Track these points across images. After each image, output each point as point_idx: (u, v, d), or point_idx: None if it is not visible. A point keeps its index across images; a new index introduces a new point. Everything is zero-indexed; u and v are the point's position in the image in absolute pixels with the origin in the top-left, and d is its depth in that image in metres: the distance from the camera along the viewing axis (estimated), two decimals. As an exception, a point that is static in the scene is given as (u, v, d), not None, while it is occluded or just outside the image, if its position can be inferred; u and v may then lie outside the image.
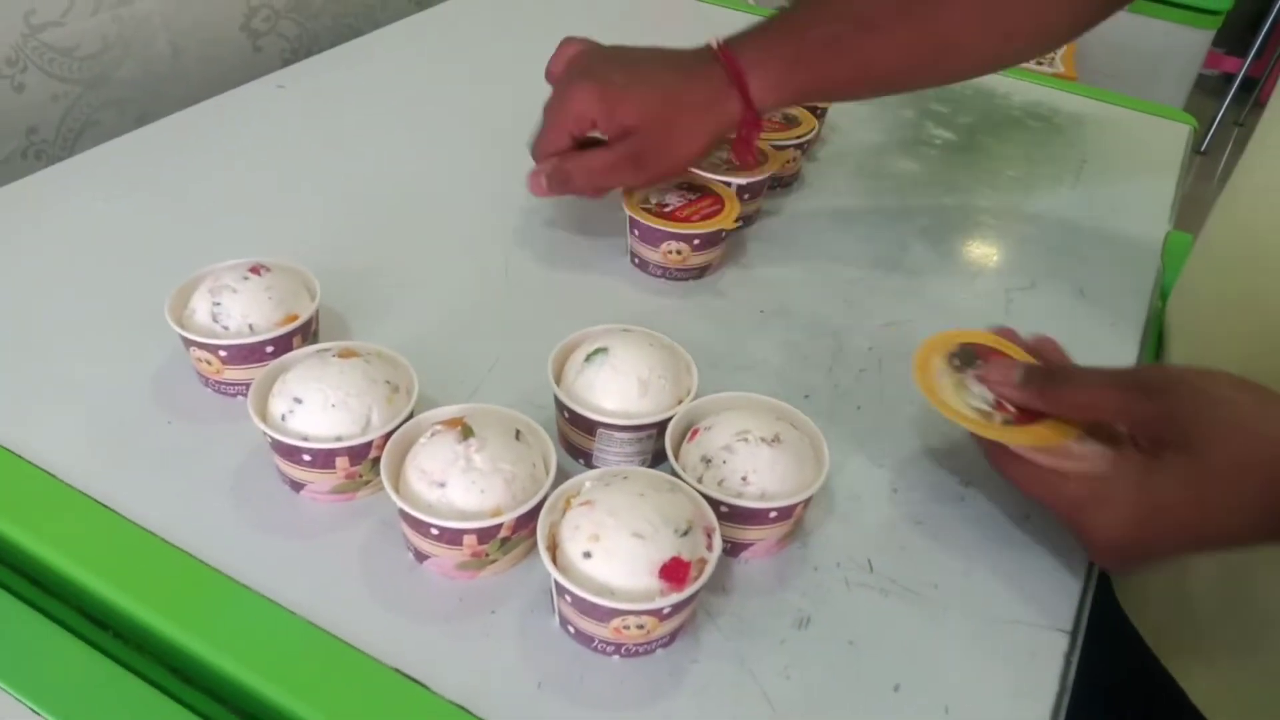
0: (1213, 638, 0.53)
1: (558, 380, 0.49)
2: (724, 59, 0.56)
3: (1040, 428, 0.45)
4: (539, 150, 0.61)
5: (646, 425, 0.47)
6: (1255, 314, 0.51)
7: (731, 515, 0.43)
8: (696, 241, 0.61)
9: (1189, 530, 0.42)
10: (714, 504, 0.42)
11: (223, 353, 0.48)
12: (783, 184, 0.73)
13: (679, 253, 0.62)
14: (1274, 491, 0.40)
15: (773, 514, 0.43)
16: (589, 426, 0.47)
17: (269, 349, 0.49)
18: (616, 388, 0.47)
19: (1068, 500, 0.44)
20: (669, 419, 0.46)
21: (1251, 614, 0.51)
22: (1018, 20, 0.57)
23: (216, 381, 0.50)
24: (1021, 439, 0.45)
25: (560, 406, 0.48)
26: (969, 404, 0.46)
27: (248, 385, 0.46)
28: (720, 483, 0.43)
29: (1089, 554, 0.46)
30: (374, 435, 0.44)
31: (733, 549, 0.45)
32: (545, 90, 0.64)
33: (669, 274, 0.63)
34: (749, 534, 0.44)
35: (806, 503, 0.44)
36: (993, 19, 0.57)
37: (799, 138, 0.71)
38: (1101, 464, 0.43)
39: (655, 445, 0.48)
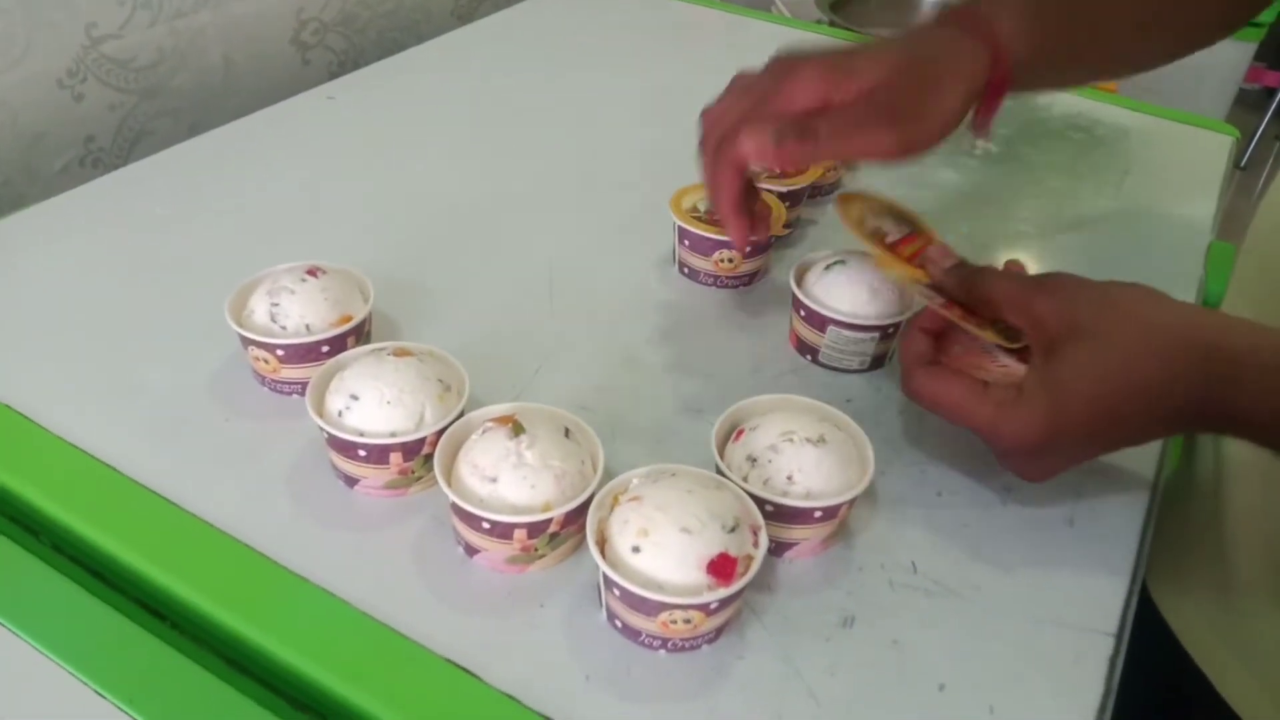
0: (1250, 638, 0.52)
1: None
2: (958, 19, 0.50)
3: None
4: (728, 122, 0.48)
5: (873, 326, 0.55)
6: None
7: (777, 514, 0.44)
8: (748, 249, 0.62)
9: (1096, 419, 0.43)
10: (759, 503, 0.43)
11: (280, 352, 0.50)
12: (823, 192, 0.74)
13: (730, 260, 0.62)
14: (1170, 369, 0.42)
15: (818, 514, 0.44)
16: (821, 323, 0.56)
17: (324, 349, 0.50)
18: (849, 294, 0.55)
19: (987, 402, 0.45)
20: (896, 323, 0.55)
21: None
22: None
23: (273, 380, 0.51)
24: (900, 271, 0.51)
25: (796, 304, 0.57)
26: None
27: (303, 384, 0.47)
28: (765, 482, 0.44)
29: (1006, 462, 0.47)
30: (427, 431, 0.45)
31: (777, 549, 0.45)
32: (583, 94, 0.65)
33: (719, 282, 0.64)
34: (794, 533, 0.45)
35: (851, 503, 0.45)
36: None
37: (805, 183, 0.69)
38: (1017, 370, 0.47)
39: (876, 349, 0.57)
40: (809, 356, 0.58)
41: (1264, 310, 0.54)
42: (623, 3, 1.08)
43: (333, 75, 0.96)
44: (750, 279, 0.64)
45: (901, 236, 0.55)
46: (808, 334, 0.57)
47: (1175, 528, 0.57)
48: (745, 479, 0.44)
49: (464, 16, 1.10)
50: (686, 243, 0.63)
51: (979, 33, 0.49)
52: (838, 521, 0.46)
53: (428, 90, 0.85)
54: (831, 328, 0.55)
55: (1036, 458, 0.45)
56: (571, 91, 0.87)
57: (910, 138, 0.47)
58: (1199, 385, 0.42)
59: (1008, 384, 0.45)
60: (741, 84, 0.50)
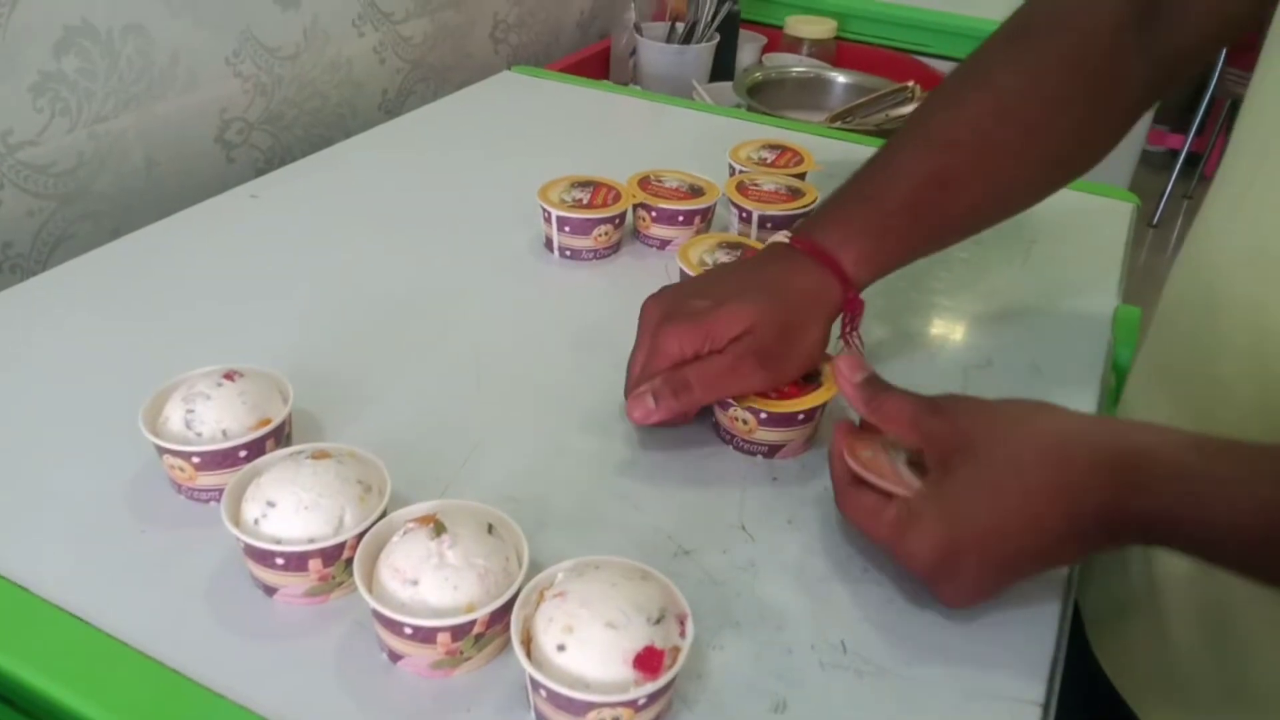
0: (1195, 694, 0.53)
1: None
2: (807, 249, 0.56)
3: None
4: (633, 387, 0.55)
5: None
6: (1210, 386, 0.52)
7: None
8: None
9: (998, 537, 0.42)
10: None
11: (195, 459, 0.49)
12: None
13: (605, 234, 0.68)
14: (1066, 485, 0.41)
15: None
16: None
17: (242, 454, 0.49)
18: None
19: (886, 522, 0.45)
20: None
21: (1234, 669, 0.51)
22: (1065, 147, 0.59)
23: (190, 488, 0.50)
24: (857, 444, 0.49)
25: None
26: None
27: (221, 491, 0.46)
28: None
29: (929, 589, 0.46)
30: (347, 536, 0.44)
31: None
32: (510, 186, 0.66)
33: (598, 254, 0.75)
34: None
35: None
36: (1045, 152, 0.58)
37: (804, 207, 0.76)
38: (911, 487, 0.46)
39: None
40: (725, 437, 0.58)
41: (1171, 373, 0.56)
42: (549, 93, 1.10)
43: (259, 172, 0.96)
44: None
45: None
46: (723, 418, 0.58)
47: (1114, 582, 0.58)
48: None
49: (391, 111, 1.12)
50: (567, 229, 0.73)
51: (830, 266, 0.55)
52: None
53: (352, 184, 0.86)
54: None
55: (943, 579, 0.45)
56: (500, 180, 0.89)
57: (779, 377, 0.55)
58: (1102, 490, 0.41)
59: (902, 500, 0.45)
60: (636, 344, 0.56)
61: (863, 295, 0.57)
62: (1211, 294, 0.51)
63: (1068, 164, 0.60)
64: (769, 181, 0.81)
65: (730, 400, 0.55)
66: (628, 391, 0.55)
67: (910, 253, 0.59)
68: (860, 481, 0.48)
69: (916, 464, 0.48)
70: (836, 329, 0.58)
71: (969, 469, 0.43)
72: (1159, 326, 0.59)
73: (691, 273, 0.67)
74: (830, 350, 0.57)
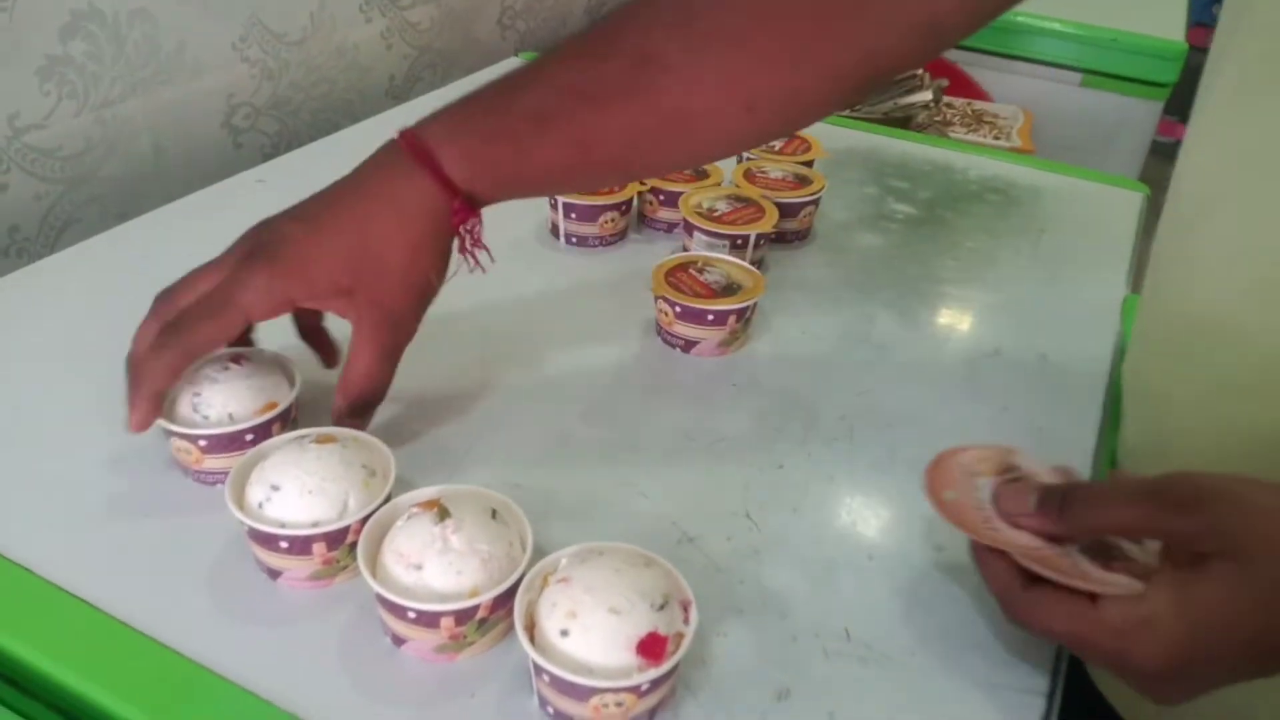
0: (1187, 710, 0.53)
1: None
2: (405, 141, 0.49)
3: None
4: (158, 379, 0.47)
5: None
6: (1203, 370, 0.52)
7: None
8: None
9: (1248, 645, 0.37)
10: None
11: (202, 442, 0.49)
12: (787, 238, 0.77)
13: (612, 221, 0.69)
14: None
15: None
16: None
17: (248, 437, 0.49)
18: None
19: (1107, 628, 0.38)
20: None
21: (1238, 692, 0.51)
22: (760, 89, 0.48)
23: (196, 471, 0.51)
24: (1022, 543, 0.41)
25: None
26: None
27: (227, 474, 0.46)
28: None
29: (1141, 689, 0.39)
30: (350, 520, 0.44)
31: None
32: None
33: (604, 241, 0.76)
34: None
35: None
36: (731, 89, 0.48)
37: (813, 194, 0.78)
38: (1131, 585, 0.38)
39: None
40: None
41: (1166, 356, 0.55)
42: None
43: (266, 158, 0.96)
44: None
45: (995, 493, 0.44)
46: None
47: None
48: None
49: (398, 97, 1.11)
50: (573, 215, 0.74)
51: (426, 164, 0.48)
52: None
53: (360, 170, 0.86)
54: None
55: (1167, 684, 0.39)
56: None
57: (411, 327, 0.50)
58: None
59: (1122, 599, 0.38)
60: (197, 278, 0.50)
61: (862, 297, 0.54)
62: (1183, 294, 0.50)
63: (761, 109, 0.49)
64: (776, 169, 0.81)
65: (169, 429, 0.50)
66: (156, 310, 0.49)
67: (542, 170, 0.50)
68: (1036, 580, 0.40)
69: (1094, 551, 0.41)
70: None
71: (1227, 570, 0.37)
72: (1139, 329, 0.58)
73: (693, 221, 0.72)
74: None
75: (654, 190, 0.78)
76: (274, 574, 0.46)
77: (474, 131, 0.49)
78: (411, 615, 0.41)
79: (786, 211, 0.76)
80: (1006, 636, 0.46)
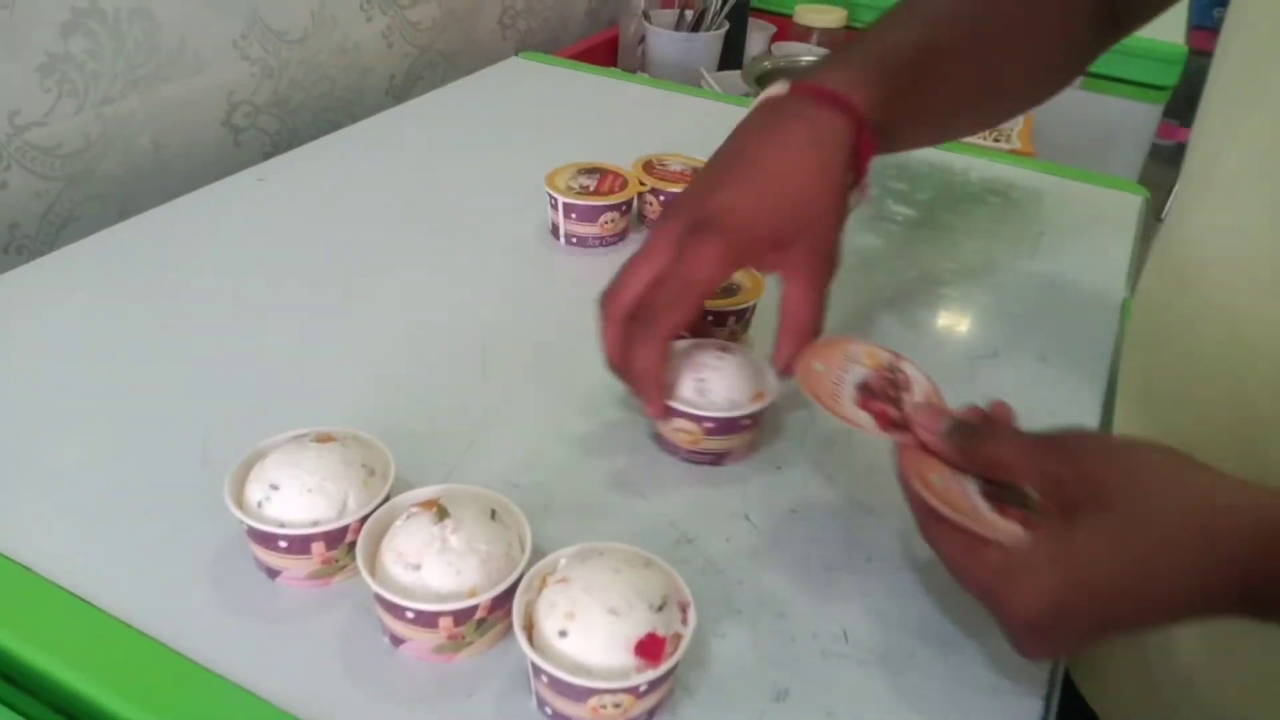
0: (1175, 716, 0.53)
1: None
2: (807, 91, 0.51)
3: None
4: (658, 371, 0.50)
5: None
6: (1184, 373, 0.52)
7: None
8: None
9: (1120, 597, 0.37)
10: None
11: (709, 424, 0.52)
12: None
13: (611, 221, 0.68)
14: (1213, 551, 0.36)
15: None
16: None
17: (745, 422, 0.54)
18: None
19: (988, 567, 0.39)
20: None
21: (1219, 696, 0.51)
22: (1049, 42, 0.60)
23: (690, 450, 0.54)
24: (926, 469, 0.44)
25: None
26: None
27: (716, 454, 0.52)
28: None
29: (1010, 635, 0.40)
30: (350, 519, 0.44)
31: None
32: (517, 173, 0.65)
33: (604, 241, 0.74)
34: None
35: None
36: (1032, 43, 0.59)
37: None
38: (1016, 533, 0.40)
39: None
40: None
41: (1150, 363, 0.55)
42: (556, 80, 1.10)
43: (266, 156, 0.96)
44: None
45: (866, 381, 0.48)
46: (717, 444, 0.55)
47: None
48: None
49: (398, 96, 1.11)
50: (574, 215, 0.74)
51: (836, 105, 0.51)
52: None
53: (360, 170, 0.86)
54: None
55: (1041, 635, 0.39)
56: (506, 167, 0.88)
57: (835, 260, 0.51)
58: (1249, 567, 0.36)
59: (1009, 545, 0.39)
60: (639, 267, 0.50)
61: (860, 299, 0.56)
62: (1181, 294, 0.50)
63: (1054, 64, 0.61)
64: None
65: (675, 409, 0.52)
66: (610, 313, 0.50)
67: (912, 116, 0.55)
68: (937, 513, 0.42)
69: (993, 494, 0.43)
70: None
71: (1103, 521, 0.37)
72: (1134, 326, 0.58)
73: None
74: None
75: (654, 191, 0.78)
76: (273, 573, 0.46)
77: (873, 79, 0.52)
78: (410, 615, 0.41)
79: None
80: (1004, 639, 0.46)
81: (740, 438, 0.55)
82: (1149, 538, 0.37)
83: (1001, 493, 0.42)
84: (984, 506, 0.42)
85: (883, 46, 0.55)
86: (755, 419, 0.54)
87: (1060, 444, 0.41)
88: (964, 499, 0.42)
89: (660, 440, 0.56)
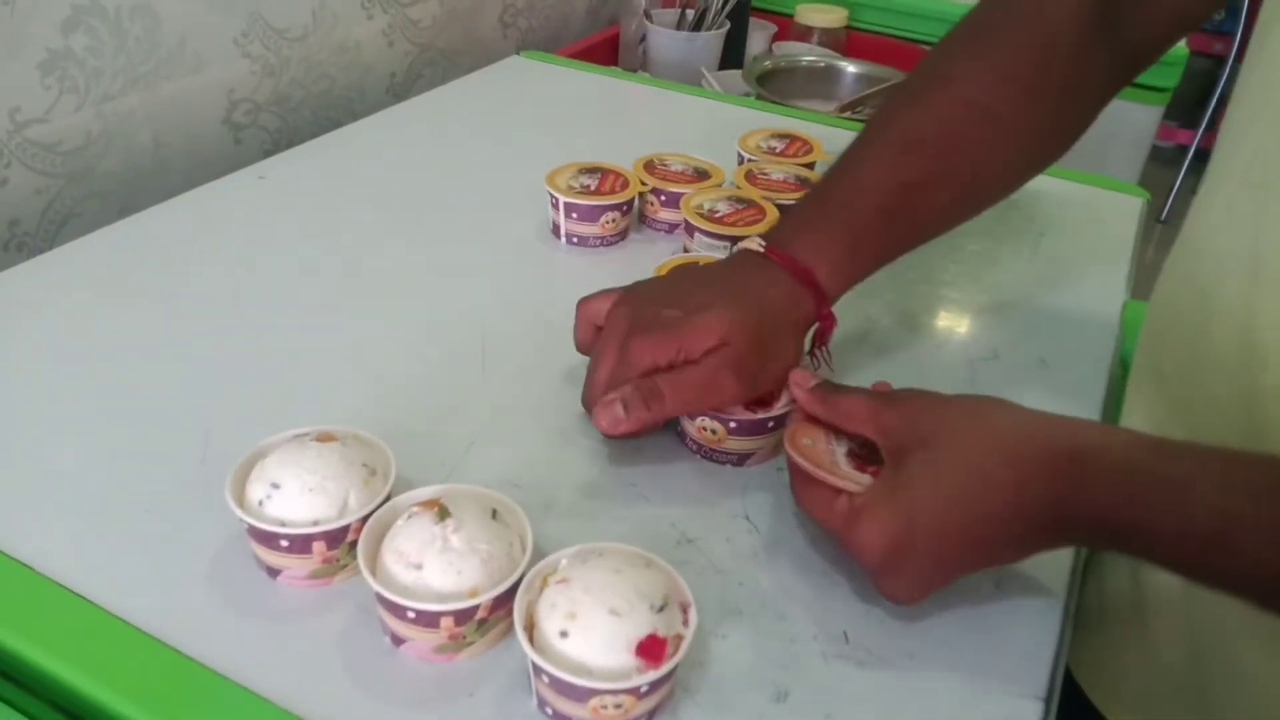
0: (1170, 710, 0.53)
1: None
2: (781, 261, 0.54)
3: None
4: (598, 394, 0.52)
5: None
6: (1200, 376, 0.52)
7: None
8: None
9: (948, 526, 0.42)
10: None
11: (732, 424, 0.53)
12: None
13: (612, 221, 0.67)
14: (1018, 473, 0.41)
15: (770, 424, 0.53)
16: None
17: (770, 425, 0.54)
18: None
19: (838, 514, 0.45)
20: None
21: (1212, 688, 0.51)
22: (1034, 140, 0.58)
23: (712, 450, 0.54)
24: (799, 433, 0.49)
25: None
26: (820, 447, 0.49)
27: (738, 455, 0.52)
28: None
29: (870, 578, 0.45)
30: (351, 519, 0.44)
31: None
32: (517, 171, 0.65)
33: (605, 240, 0.73)
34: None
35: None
36: (1014, 147, 0.57)
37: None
38: (861, 481, 0.46)
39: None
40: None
41: (1165, 365, 0.55)
42: (557, 78, 1.10)
43: (266, 154, 0.96)
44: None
45: (851, 450, 0.51)
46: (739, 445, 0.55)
47: (1099, 616, 0.58)
48: None
49: (399, 94, 1.11)
50: (575, 215, 0.74)
51: (800, 278, 0.54)
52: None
53: (360, 168, 0.86)
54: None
55: (891, 571, 0.44)
56: (507, 166, 0.88)
57: (753, 390, 0.52)
58: (1049, 486, 0.41)
59: (857, 493, 0.45)
60: (598, 349, 0.54)
61: (861, 300, 0.56)
62: (1199, 296, 0.50)
63: (1037, 157, 0.60)
64: (778, 170, 0.81)
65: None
66: (591, 399, 0.53)
67: (882, 260, 0.58)
68: (806, 473, 0.48)
69: (859, 455, 0.48)
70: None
71: (922, 462, 0.43)
72: (1149, 330, 0.58)
73: (694, 222, 0.72)
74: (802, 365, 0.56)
75: (655, 191, 0.78)
76: (273, 572, 0.46)
77: (835, 244, 0.55)
78: (411, 615, 0.41)
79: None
80: (1004, 641, 0.46)
81: (764, 440, 0.55)
82: (960, 468, 0.42)
83: (869, 454, 0.48)
84: (844, 463, 0.48)
85: (850, 195, 0.56)
86: (780, 421, 0.54)
87: (895, 397, 0.47)
88: (827, 456, 0.48)
89: (684, 438, 0.56)
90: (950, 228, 0.60)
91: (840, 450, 0.49)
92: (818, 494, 0.47)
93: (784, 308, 0.53)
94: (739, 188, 0.78)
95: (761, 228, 0.72)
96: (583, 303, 0.57)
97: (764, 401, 0.54)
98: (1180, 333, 0.53)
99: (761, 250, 0.55)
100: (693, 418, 0.54)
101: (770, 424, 0.54)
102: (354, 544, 0.44)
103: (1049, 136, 0.59)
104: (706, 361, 0.51)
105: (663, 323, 0.52)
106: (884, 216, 0.55)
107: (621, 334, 0.52)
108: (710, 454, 0.55)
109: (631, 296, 0.55)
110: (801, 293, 0.54)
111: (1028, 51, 0.57)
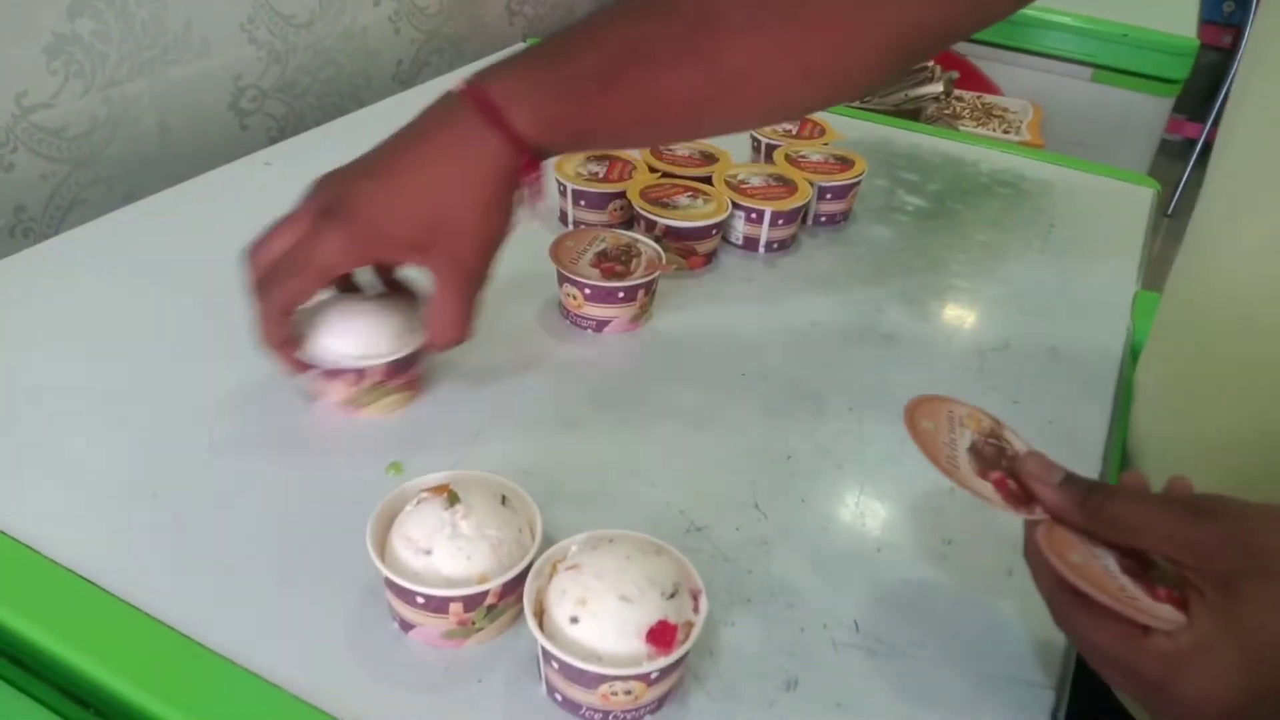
0: None
1: None
2: (471, 97, 0.48)
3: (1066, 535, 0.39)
4: (273, 334, 0.51)
5: None
6: (1217, 372, 0.51)
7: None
8: (588, 291, 0.63)
9: None
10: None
11: (587, 290, 0.58)
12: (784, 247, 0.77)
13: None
14: None
15: None
16: None
17: (620, 295, 0.60)
18: None
19: (1154, 655, 0.35)
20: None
21: None
22: (816, 58, 0.50)
23: (575, 315, 0.60)
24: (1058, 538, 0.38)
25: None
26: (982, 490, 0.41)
27: (597, 321, 0.58)
28: None
29: None
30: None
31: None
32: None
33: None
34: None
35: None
36: (787, 56, 0.50)
37: (856, 177, 0.78)
38: (1177, 618, 0.35)
39: None
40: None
41: (1176, 356, 0.55)
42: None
43: (272, 140, 0.96)
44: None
45: (974, 445, 0.43)
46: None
47: None
48: None
49: (405, 81, 1.11)
50: (582, 202, 0.74)
51: (493, 119, 0.48)
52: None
53: (368, 155, 0.85)
54: None
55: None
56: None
57: (483, 274, 0.51)
58: None
59: (1169, 630, 0.35)
60: (280, 233, 0.51)
61: (871, 289, 0.54)
62: (1211, 289, 0.50)
63: (819, 78, 0.51)
64: (815, 152, 0.81)
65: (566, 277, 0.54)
66: (253, 274, 0.51)
67: (605, 126, 0.51)
68: (1082, 595, 0.36)
69: (1132, 570, 0.38)
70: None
71: (1274, 592, 0.34)
72: (1161, 321, 0.58)
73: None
74: None
75: (666, 175, 0.77)
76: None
77: (540, 87, 0.49)
78: (420, 600, 0.41)
79: (836, 194, 0.78)
80: (1015, 629, 0.46)
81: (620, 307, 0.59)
82: None
83: (1145, 570, 0.37)
84: (1131, 586, 0.37)
85: (578, 47, 0.50)
86: (629, 292, 0.53)
87: (1200, 507, 0.36)
88: (1109, 579, 0.37)
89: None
90: (698, 124, 0.53)
91: (1110, 562, 0.38)
92: (1110, 627, 0.36)
93: (468, 162, 0.48)
94: (775, 165, 0.79)
95: (786, 204, 0.72)
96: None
97: (1025, 500, 0.41)
98: (1192, 324, 0.52)
99: (462, 86, 0.49)
100: (561, 284, 0.55)
101: (620, 294, 0.58)
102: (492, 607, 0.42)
103: (830, 55, 0.51)
104: (441, 285, 0.50)
105: (354, 215, 0.49)
106: (604, 77, 0.49)
107: (313, 213, 0.50)
108: (577, 320, 0.63)
109: (316, 183, 0.52)
110: (489, 136, 0.48)
111: None
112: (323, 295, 0.53)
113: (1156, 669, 0.35)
